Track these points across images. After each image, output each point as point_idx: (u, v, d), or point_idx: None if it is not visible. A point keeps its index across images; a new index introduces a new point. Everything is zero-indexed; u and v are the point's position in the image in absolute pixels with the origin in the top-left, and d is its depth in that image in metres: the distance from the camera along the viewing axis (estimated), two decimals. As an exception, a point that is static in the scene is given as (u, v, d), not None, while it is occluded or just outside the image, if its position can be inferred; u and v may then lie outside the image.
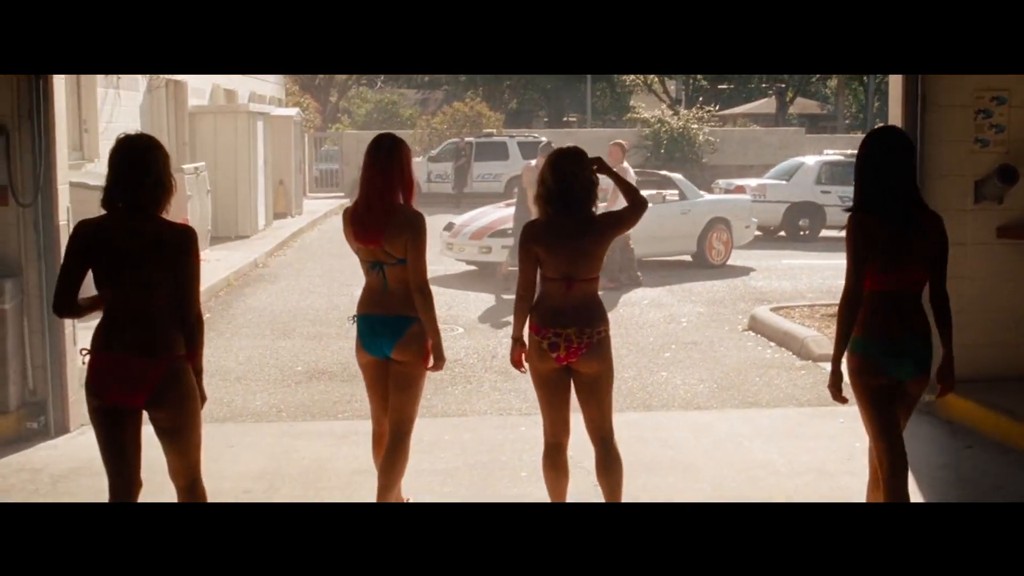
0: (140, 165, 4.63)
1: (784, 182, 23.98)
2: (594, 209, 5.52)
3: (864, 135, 5.38)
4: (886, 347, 5.00)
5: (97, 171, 15.87)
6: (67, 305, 4.73)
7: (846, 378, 5.18)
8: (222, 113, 21.58)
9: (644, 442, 8.00)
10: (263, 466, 7.48)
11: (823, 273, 18.03)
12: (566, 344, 5.37)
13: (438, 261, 17.94)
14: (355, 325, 5.72)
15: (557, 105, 55.63)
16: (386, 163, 5.52)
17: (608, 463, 5.64)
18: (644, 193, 18.77)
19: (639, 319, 13.53)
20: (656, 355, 11.31)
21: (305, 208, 28.11)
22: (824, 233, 23.71)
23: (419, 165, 33.33)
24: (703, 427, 8.55)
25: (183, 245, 4.67)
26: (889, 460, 5.11)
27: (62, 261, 4.80)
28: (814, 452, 7.73)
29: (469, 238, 16.70)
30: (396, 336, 5.55)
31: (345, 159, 36.52)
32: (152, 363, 4.64)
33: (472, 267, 17.19)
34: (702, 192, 19.70)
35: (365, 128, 45.47)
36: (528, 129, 41.72)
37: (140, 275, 4.62)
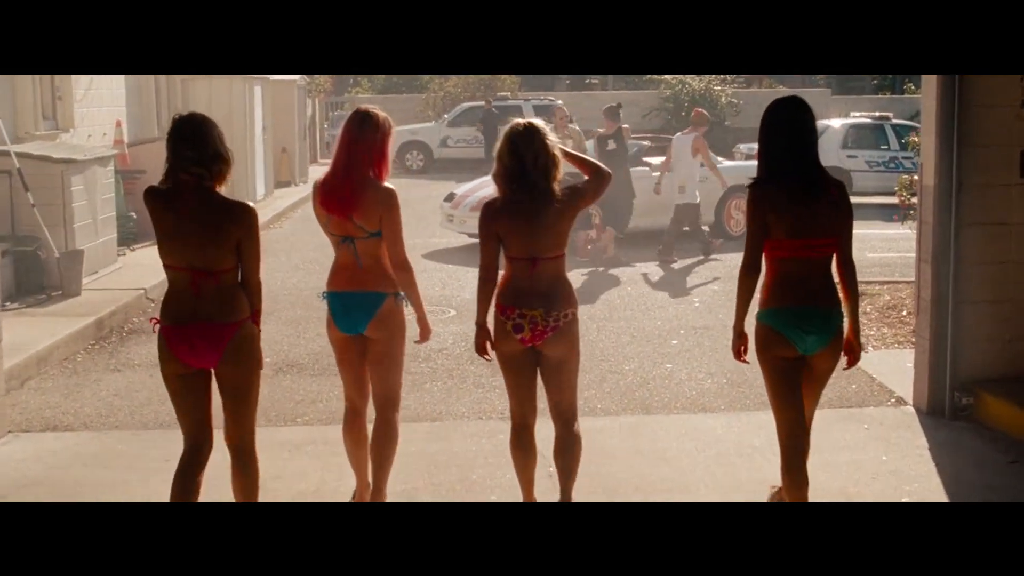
0: (197, 140, 4.86)
1: (808, 146, 22.81)
2: (555, 185, 5.31)
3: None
4: (788, 319, 5.01)
5: (73, 142, 14.95)
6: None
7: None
8: (216, 78, 20.54)
9: (638, 454, 7.02)
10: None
11: (858, 243, 16.96)
12: (531, 326, 5.27)
13: (439, 234, 16.96)
14: (325, 302, 5.67)
15: (578, 67, 54.24)
16: (359, 135, 5.47)
17: (567, 444, 5.55)
18: (659, 159, 16.91)
19: (647, 299, 12.49)
20: (662, 343, 10.28)
21: (312, 176, 27.04)
22: (851, 199, 22.54)
23: (433, 130, 32.40)
24: (707, 435, 7.52)
25: (243, 220, 4.93)
26: (784, 444, 5.21)
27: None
28: (834, 469, 6.69)
29: (470, 210, 15.63)
30: (370, 313, 5.51)
31: (357, 123, 35.52)
32: (219, 328, 4.90)
33: (475, 239, 16.14)
34: (719, 158, 18.58)
35: (385, 92, 44.36)
36: (547, 92, 40.47)
37: (203, 248, 4.86)
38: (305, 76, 29.29)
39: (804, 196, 4.97)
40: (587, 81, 54.48)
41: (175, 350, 4.95)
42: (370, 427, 5.87)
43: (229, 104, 20.46)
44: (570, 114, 15.78)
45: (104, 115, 16.52)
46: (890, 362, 9.21)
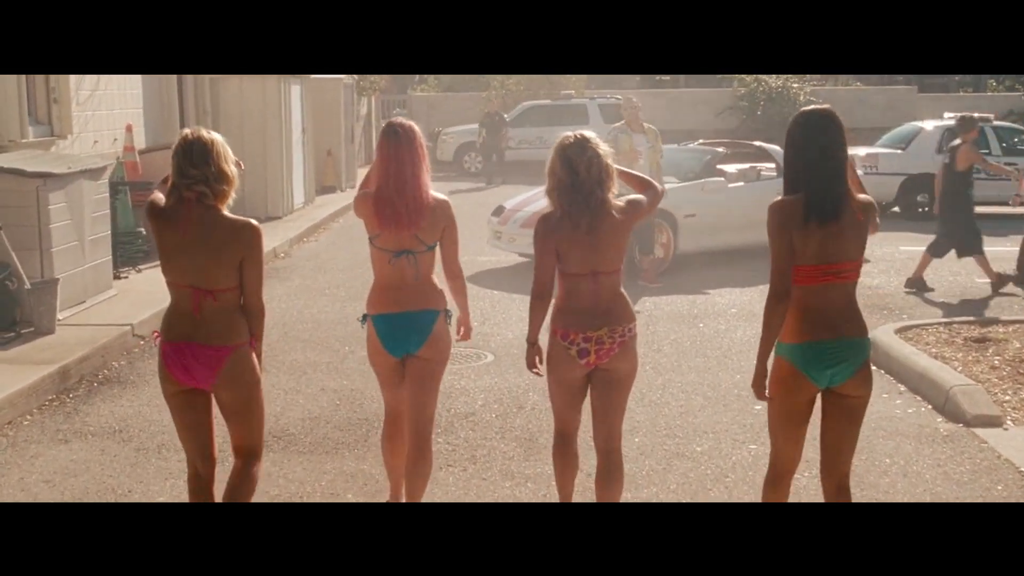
0: (200, 158, 4.83)
1: (899, 151, 20.70)
2: (611, 195, 5.25)
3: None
4: (809, 356, 4.77)
5: (73, 149, 13.26)
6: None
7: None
8: (248, 78, 18.82)
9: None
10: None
11: (950, 266, 14.84)
12: (597, 348, 5.22)
13: (487, 251, 15.10)
14: (366, 325, 5.62)
15: (649, 63, 52.33)
16: (410, 147, 5.43)
17: (609, 473, 5.45)
18: (734, 168, 15.72)
19: (722, 340, 10.50)
20: (745, 408, 8.25)
21: (360, 179, 25.32)
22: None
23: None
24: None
25: (245, 238, 4.88)
26: (775, 472, 5.06)
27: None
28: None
29: (520, 226, 13.76)
30: (425, 332, 5.47)
31: (415, 121, 33.79)
32: (215, 351, 4.89)
33: (525, 258, 14.28)
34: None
35: (451, 90, 42.61)
36: (616, 90, 38.48)
37: (204, 266, 4.84)
38: (353, 75, 27.59)
39: (829, 217, 4.69)
40: (658, 79, 52.58)
41: (171, 369, 4.96)
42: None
43: (263, 106, 18.81)
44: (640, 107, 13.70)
45: (116, 118, 14.85)
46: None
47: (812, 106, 5.05)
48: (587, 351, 5.22)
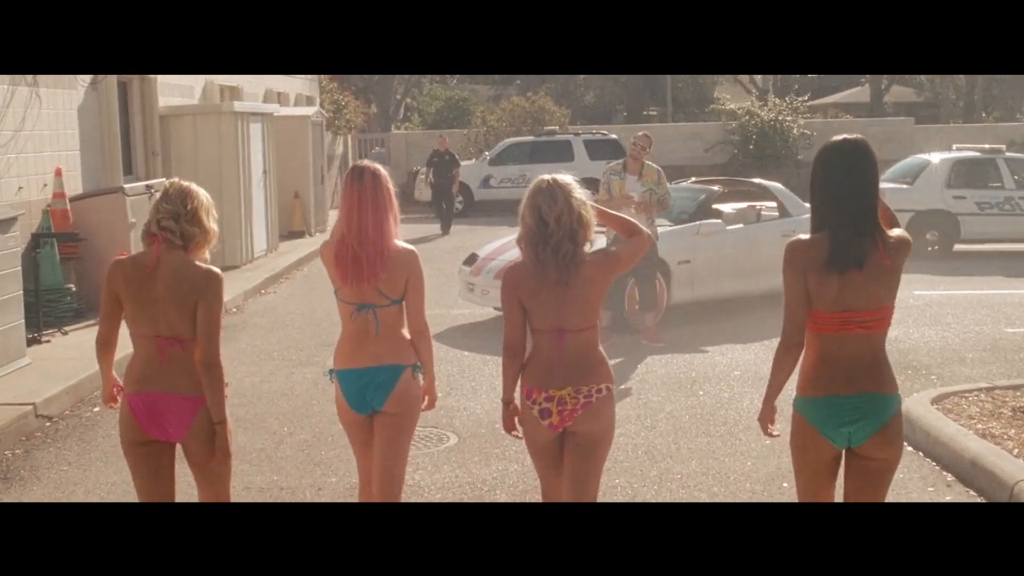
0: (177, 198, 4.82)
1: (906, 185, 19.28)
2: (587, 246, 4.89)
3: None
4: (824, 411, 4.44)
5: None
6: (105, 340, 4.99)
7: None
8: (202, 115, 17.34)
9: None
10: None
11: (975, 312, 13.44)
12: (559, 408, 4.87)
13: (464, 303, 13.60)
14: (333, 380, 5.35)
15: (637, 98, 51.34)
16: (375, 193, 5.16)
17: None
18: (731, 208, 14.13)
19: (727, 413, 8.98)
20: (768, 492, 6.77)
21: (331, 223, 23.82)
22: (958, 247, 19.07)
23: (474, 168, 29.27)
24: None
25: (201, 287, 4.76)
26: None
27: (102, 302, 4.93)
28: None
29: (494, 277, 12.24)
30: (389, 388, 5.20)
31: (393, 163, 32.51)
32: (188, 400, 4.78)
33: (499, 311, 12.76)
34: (807, 203, 15.07)
35: (435, 127, 41.34)
36: (601, 125, 37.16)
37: (168, 314, 4.74)
38: (324, 112, 26.17)
39: (851, 265, 4.32)
40: (645, 113, 51.50)
41: (139, 419, 4.79)
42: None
43: (219, 145, 17.32)
44: (648, 146, 11.99)
45: (46, 161, 13.34)
46: None
47: (843, 135, 4.54)
48: (548, 411, 4.88)
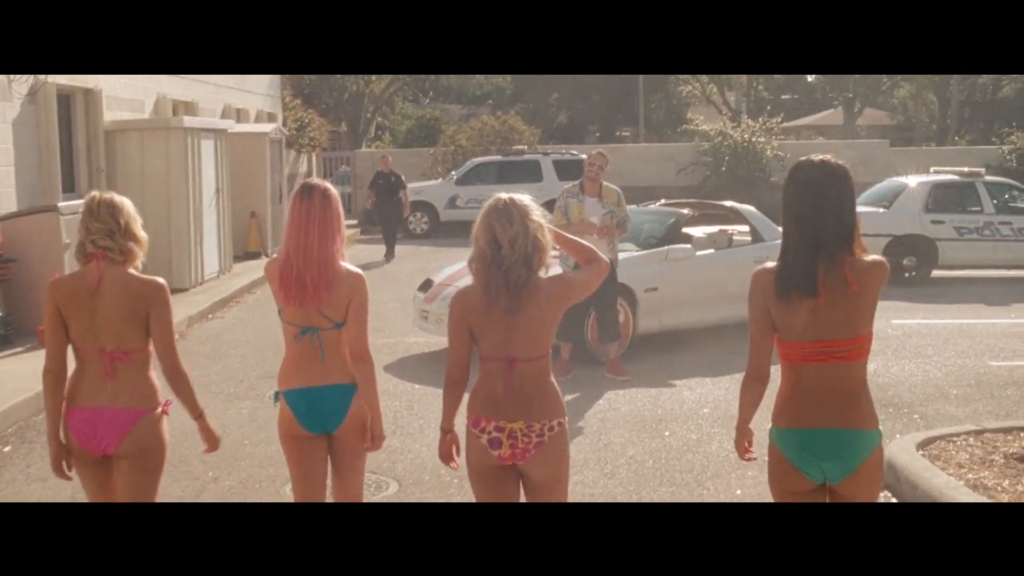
0: (105, 214, 4.81)
1: (882, 209, 18.67)
2: (543, 272, 4.68)
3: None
4: (798, 444, 4.23)
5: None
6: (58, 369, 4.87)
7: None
8: (149, 130, 16.56)
9: None
10: None
11: (957, 343, 12.78)
12: (511, 442, 4.62)
13: (415, 332, 12.86)
14: (278, 404, 5.13)
15: (609, 119, 50.85)
16: (323, 212, 4.98)
17: None
18: (702, 232, 13.48)
19: (694, 457, 8.24)
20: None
21: (291, 244, 22.95)
22: (936, 273, 18.47)
23: (440, 187, 28.57)
24: None
25: (150, 298, 4.78)
26: None
27: (45, 329, 4.85)
28: None
29: (450, 304, 11.51)
30: (344, 407, 5.03)
31: (359, 182, 31.66)
32: (126, 412, 4.77)
33: (458, 343, 12.03)
34: (780, 227, 14.39)
35: (406, 146, 40.58)
36: (574, 145, 36.48)
37: (116, 328, 4.74)
38: (284, 129, 25.41)
39: (801, 285, 4.12)
40: (617, 134, 51.00)
41: (76, 434, 4.80)
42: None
43: (167, 162, 16.54)
44: (605, 165, 11.18)
45: (-23, 179, 12.57)
46: None
47: (812, 156, 4.32)
48: (499, 441, 4.64)
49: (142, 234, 4.92)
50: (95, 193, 4.97)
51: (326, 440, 5.14)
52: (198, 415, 5.02)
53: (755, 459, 4.61)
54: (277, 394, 5.16)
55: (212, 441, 5.12)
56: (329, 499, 5.39)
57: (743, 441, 4.56)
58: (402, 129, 49.20)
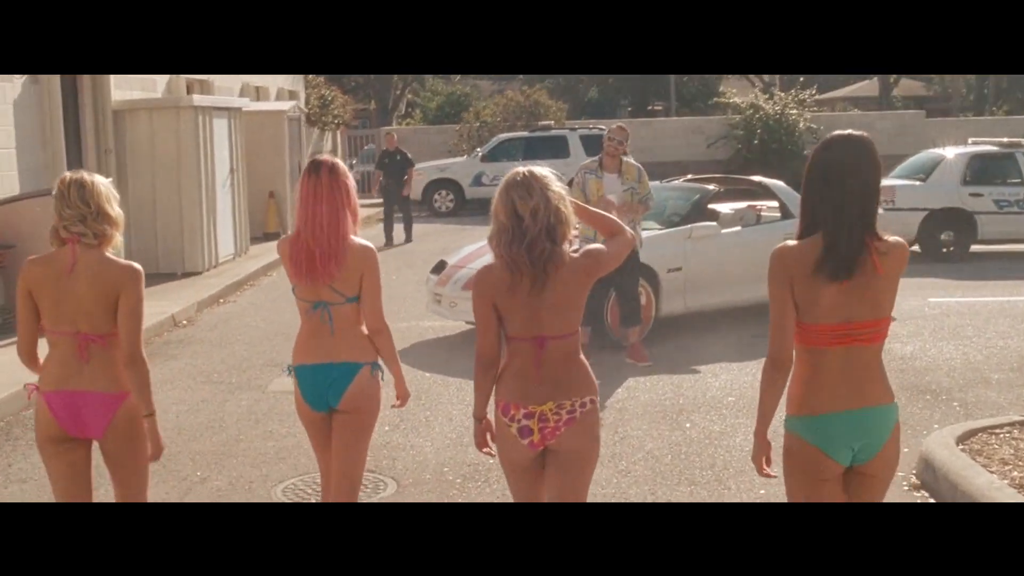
0: (78, 199, 4.71)
1: (919, 182, 18.01)
2: (567, 245, 4.52)
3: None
4: (826, 430, 4.05)
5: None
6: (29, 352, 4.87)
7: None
8: (158, 109, 16.10)
9: None
10: None
11: (998, 323, 12.13)
12: (541, 425, 4.49)
13: (429, 316, 12.36)
14: (291, 377, 5.21)
15: (641, 93, 50.16)
16: (330, 187, 4.98)
17: None
18: (729, 209, 12.87)
19: (716, 451, 7.70)
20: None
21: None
22: (975, 248, 17.79)
23: (466, 165, 28.07)
24: None
25: (123, 282, 4.72)
26: None
27: (17, 306, 4.85)
28: None
29: (463, 288, 10.99)
30: (343, 385, 5.04)
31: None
32: (107, 398, 4.73)
33: (471, 326, 11.51)
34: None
35: (436, 123, 40.10)
36: (601, 120, 35.85)
37: (90, 311, 4.71)
38: (303, 107, 24.92)
39: (843, 265, 3.93)
40: (649, 108, 50.35)
41: (57, 416, 4.73)
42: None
43: (177, 142, 16.09)
44: (625, 140, 10.62)
45: (-25, 162, 12.15)
46: None
47: (843, 131, 4.15)
48: (529, 429, 4.50)
49: (116, 212, 4.80)
50: (65, 175, 4.85)
51: (332, 416, 5.16)
52: (148, 413, 4.75)
53: (775, 477, 4.31)
54: (290, 367, 5.24)
55: (156, 448, 4.81)
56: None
57: (761, 456, 4.28)
58: (432, 106, 48.82)
